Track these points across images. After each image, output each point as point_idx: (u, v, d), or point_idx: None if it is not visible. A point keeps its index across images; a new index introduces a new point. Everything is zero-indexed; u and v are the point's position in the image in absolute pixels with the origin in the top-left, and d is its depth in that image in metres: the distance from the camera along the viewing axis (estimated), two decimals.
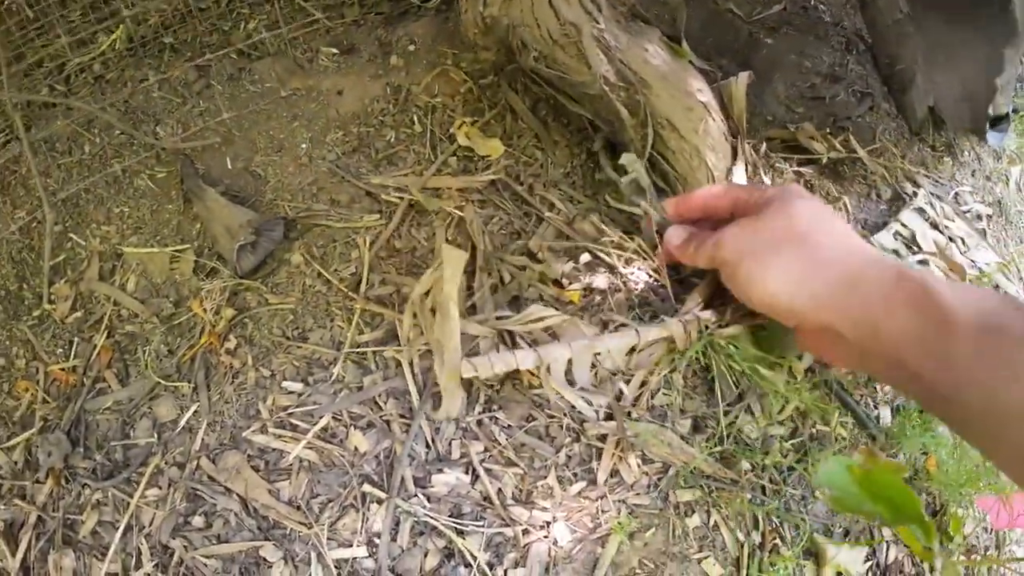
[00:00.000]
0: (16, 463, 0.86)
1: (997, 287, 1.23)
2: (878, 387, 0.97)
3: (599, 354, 0.70)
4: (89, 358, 0.92)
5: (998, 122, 1.47)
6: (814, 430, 0.86)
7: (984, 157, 1.54)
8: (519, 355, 0.67)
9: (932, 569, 0.93)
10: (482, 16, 0.87)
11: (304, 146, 1.04)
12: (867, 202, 1.12)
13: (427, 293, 0.72)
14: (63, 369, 0.92)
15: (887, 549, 0.91)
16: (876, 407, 0.96)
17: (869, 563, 0.88)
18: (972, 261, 1.20)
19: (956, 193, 1.35)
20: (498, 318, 0.73)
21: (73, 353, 0.93)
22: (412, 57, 1.15)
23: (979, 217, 1.35)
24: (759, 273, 0.58)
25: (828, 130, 1.23)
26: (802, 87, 1.32)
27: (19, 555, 0.84)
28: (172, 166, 1.01)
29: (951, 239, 1.18)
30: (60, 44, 1.06)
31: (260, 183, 1.00)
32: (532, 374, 0.76)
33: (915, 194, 1.17)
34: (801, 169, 1.10)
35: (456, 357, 0.66)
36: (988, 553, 1.00)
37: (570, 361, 0.70)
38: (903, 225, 1.06)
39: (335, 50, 1.16)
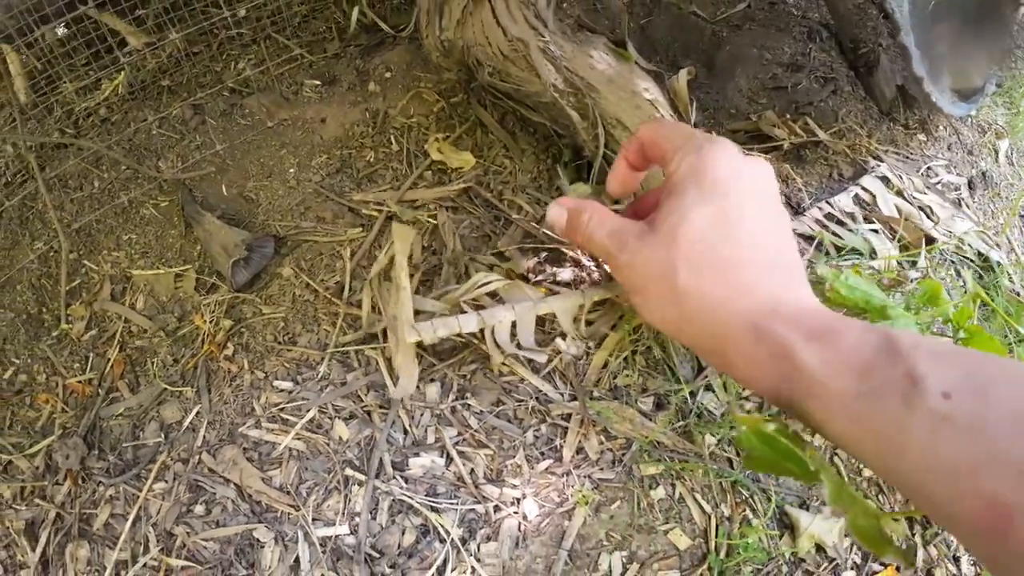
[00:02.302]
0: (37, 468, 0.96)
1: (980, 254, 1.26)
2: None
3: (546, 316, 0.75)
4: (103, 371, 1.02)
5: (971, 95, 1.52)
6: None
7: (964, 132, 1.58)
8: (462, 319, 0.73)
9: (925, 542, 0.96)
10: (440, 40, 0.98)
11: (292, 170, 1.15)
12: (828, 181, 1.18)
13: (382, 275, 0.79)
14: (80, 381, 1.03)
15: None
16: None
17: (852, 539, 0.91)
18: (948, 231, 1.24)
19: (928, 167, 1.39)
20: (446, 292, 0.80)
21: (89, 367, 1.04)
22: (388, 83, 1.27)
23: (956, 188, 1.39)
24: (640, 309, 0.49)
25: (789, 116, 1.30)
26: (763, 78, 1.39)
27: (39, 550, 0.93)
28: (173, 195, 1.13)
29: (921, 208, 1.23)
30: (68, 91, 1.20)
31: (253, 206, 1.11)
32: (503, 363, 0.83)
33: (878, 166, 1.22)
34: (763, 155, 1.17)
35: (409, 330, 0.72)
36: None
37: (514, 324, 0.76)
38: (863, 189, 1.11)
39: (318, 82, 1.28)
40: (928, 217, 1.26)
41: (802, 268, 0.46)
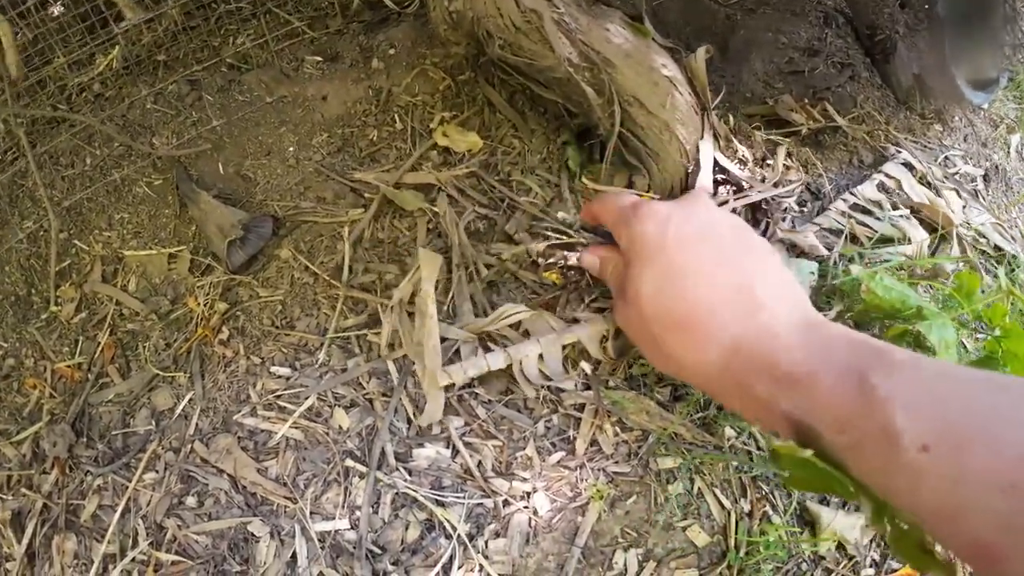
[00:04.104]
0: (24, 455, 0.91)
1: (997, 247, 1.22)
2: None
3: (570, 345, 0.72)
4: (93, 355, 0.97)
5: (986, 85, 1.47)
6: None
7: (978, 124, 1.53)
8: (490, 358, 0.71)
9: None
10: (448, 11, 0.92)
11: (291, 149, 1.09)
12: (848, 168, 1.13)
13: (406, 299, 0.75)
14: (69, 366, 0.98)
15: None
16: None
17: (870, 535, 0.86)
18: (966, 221, 1.20)
19: (946, 157, 1.34)
20: (468, 324, 0.76)
21: (78, 351, 0.99)
22: (392, 60, 1.21)
23: (972, 179, 1.34)
24: (646, 352, 0.59)
25: (807, 101, 1.24)
26: (780, 63, 1.34)
27: (24, 541, 0.88)
28: (168, 173, 1.08)
29: (940, 196, 1.18)
30: (60, 65, 1.14)
31: (250, 185, 1.06)
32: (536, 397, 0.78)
33: (899, 153, 1.17)
34: (779, 138, 1.12)
35: (436, 358, 0.69)
36: None
37: (541, 356, 0.72)
38: (887, 176, 1.06)
39: (319, 58, 1.22)
40: (948, 207, 1.21)
41: (775, 287, 0.50)
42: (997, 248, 1.25)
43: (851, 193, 0.98)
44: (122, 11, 1.22)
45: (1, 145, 1.26)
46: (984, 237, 1.25)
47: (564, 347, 0.72)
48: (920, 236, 0.96)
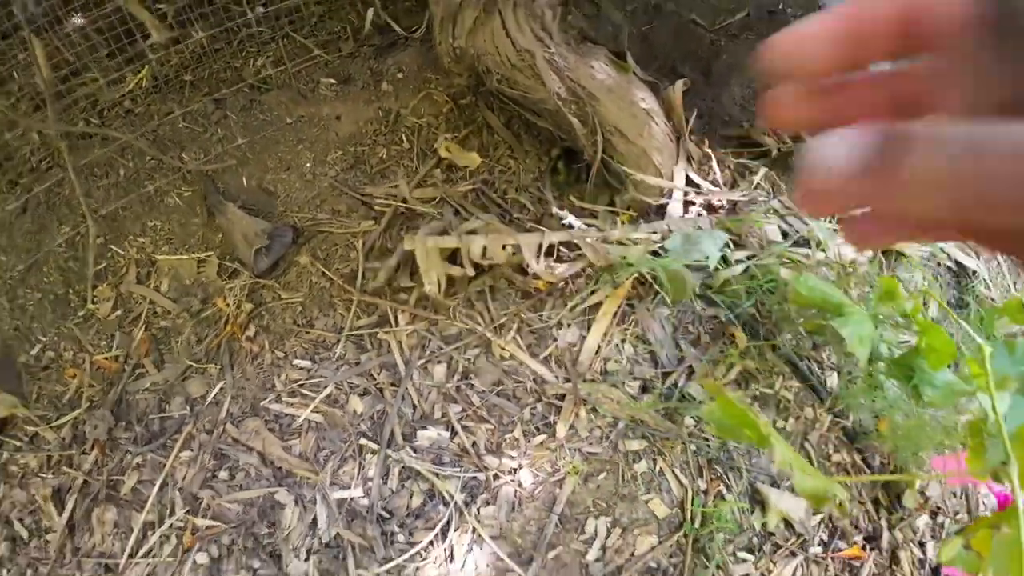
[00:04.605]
0: (64, 439, 1.06)
1: (958, 262, 1.36)
2: (825, 355, 1.11)
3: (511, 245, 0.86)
4: (129, 348, 1.12)
5: None
6: (758, 392, 1.01)
7: None
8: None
9: (891, 525, 1.06)
10: (452, 47, 1.07)
11: (308, 165, 1.25)
12: None
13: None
14: (107, 358, 1.13)
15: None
16: (824, 372, 1.10)
17: (820, 517, 1.01)
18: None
19: None
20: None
21: (115, 345, 1.14)
22: (400, 83, 1.36)
23: None
24: None
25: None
26: (756, 87, 1.49)
27: (65, 515, 1.03)
28: (196, 185, 1.23)
29: None
30: (92, 81, 1.30)
31: (272, 198, 1.21)
32: (501, 347, 0.94)
33: None
34: (750, 162, 1.27)
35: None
36: (958, 516, 1.10)
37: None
38: None
39: (333, 80, 1.38)
40: None
41: None
42: (959, 264, 1.39)
43: (780, 200, 1.12)
44: (149, 30, 1.37)
45: (36, 155, 1.41)
46: (945, 252, 1.39)
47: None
48: (837, 244, 1.09)
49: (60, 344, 1.20)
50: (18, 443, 1.15)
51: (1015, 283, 1.44)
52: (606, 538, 0.83)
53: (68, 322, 1.21)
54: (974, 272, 1.38)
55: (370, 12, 1.46)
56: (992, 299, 1.38)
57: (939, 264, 1.38)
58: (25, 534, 1.07)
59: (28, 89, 1.43)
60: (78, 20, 1.40)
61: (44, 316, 1.23)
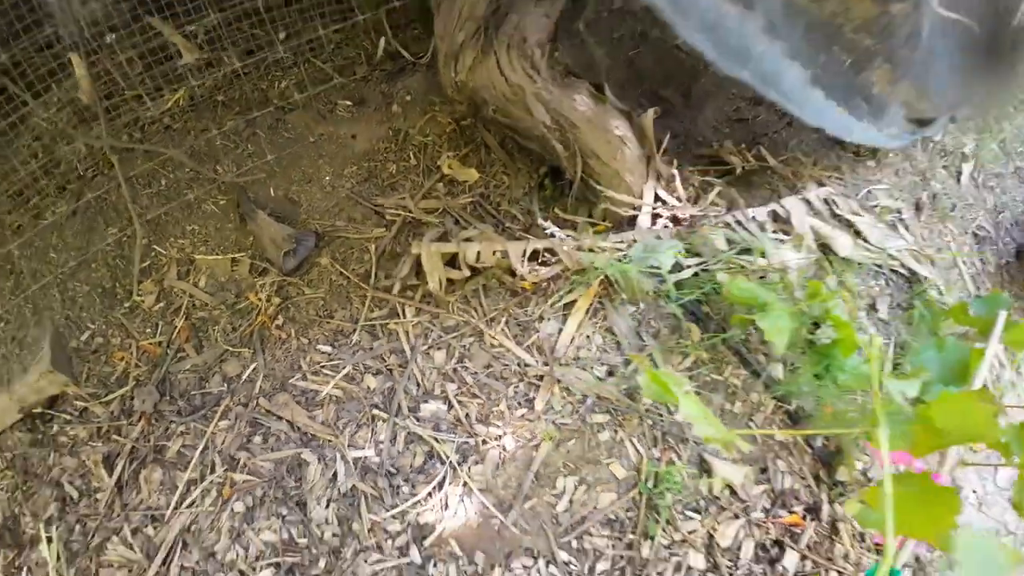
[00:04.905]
0: (113, 412, 1.26)
1: (911, 270, 1.55)
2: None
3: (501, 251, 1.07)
4: (171, 335, 1.33)
5: (921, 125, 1.80)
6: (709, 378, 1.21)
7: (918, 157, 1.87)
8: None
9: (831, 500, 1.26)
10: (454, 80, 1.28)
11: (328, 178, 1.45)
12: (768, 202, 1.48)
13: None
14: (151, 343, 1.33)
15: (782, 478, 1.23)
16: (769, 362, 1.30)
17: (763, 488, 1.21)
18: (879, 247, 1.52)
19: (869, 191, 1.69)
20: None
21: (159, 332, 1.34)
22: (409, 106, 1.57)
23: (895, 211, 1.67)
24: None
25: (745, 146, 1.60)
26: (728, 111, 1.70)
27: (114, 476, 1.23)
28: (230, 195, 1.44)
29: (852, 225, 1.52)
30: (132, 99, 1.51)
31: (296, 206, 1.42)
32: (491, 336, 1.14)
33: (816, 188, 1.51)
34: (713, 179, 1.47)
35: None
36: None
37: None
38: (781, 206, 1.40)
39: (349, 102, 1.59)
40: (857, 235, 1.56)
41: None
42: (911, 271, 1.59)
43: (743, 212, 1.32)
44: (180, 51, 1.58)
45: (83, 164, 1.62)
46: (896, 259, 1.59)
47: None
48: (779, 254, 1.28)
49: (108, 331, 1.40)
50: (68, 417, 1.35)
51: (977, 291, 1.63)
52: (573, 493, 1.03)
53: (115, 312, 1.42)
54: (926, 279, 1.57)
55: (382, 40, 1.68)
56: (944, 303, 1.58)
57: (892, 271, 1.58)
58: (75, 494, 1.27)
59: (68, 101, 1.64)
60: (116, 41, 1.61)
61: (93, 307, 1.44)
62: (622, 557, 1.04)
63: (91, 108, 1.58)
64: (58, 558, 1.22)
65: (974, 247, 1.82)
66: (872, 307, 1.59)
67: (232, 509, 1.09)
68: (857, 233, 1.62)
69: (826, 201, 1.55)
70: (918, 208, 1.83)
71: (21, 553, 1.28)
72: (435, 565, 0.99)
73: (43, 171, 1.58)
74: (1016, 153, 2.10)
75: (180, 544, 1.12)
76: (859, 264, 1.54)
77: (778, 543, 1.12)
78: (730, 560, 1.13)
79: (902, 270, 1.61)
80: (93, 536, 1.22)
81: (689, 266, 1.16)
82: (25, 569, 1.25)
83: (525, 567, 1.01)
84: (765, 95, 0.98)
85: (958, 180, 1.98)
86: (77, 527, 1.25)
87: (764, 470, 1.23)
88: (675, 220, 1.35)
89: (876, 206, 1.70)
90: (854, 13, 1.00)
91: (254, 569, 1.05)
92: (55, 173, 1.63)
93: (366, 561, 1.00)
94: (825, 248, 1.47)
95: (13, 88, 1.45)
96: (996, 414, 0.81)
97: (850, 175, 1.75)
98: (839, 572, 1.11)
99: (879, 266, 1.58)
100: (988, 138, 1.98)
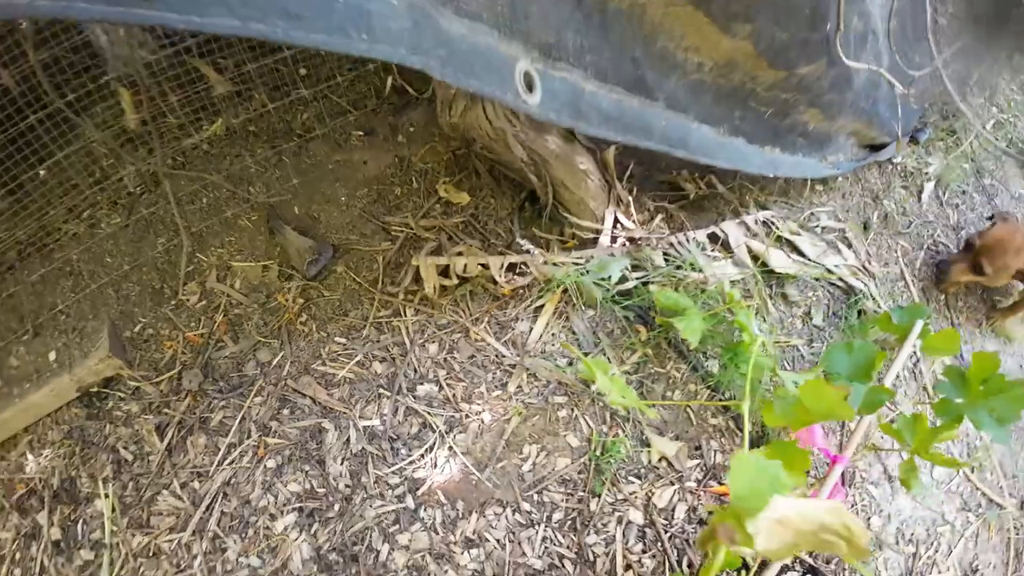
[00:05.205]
0: (162, 391, 1.57)
1: (848, 284, 1.82)
2: (710, 348, 1.60)
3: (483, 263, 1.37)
4: (212, 328, 1.63)
5: (875, 150, 2.08)
6: (653, 371, 1.50)
7: (872, 179, 2.15)
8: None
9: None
10: (449, 122, 1.58)
11: (343, 199, 1.76)
12: (714, 224, 1.77)
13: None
14: (195, 335, 1.64)
15: (714, 455, 1.52)
16: (707, 359, 1.59)
17: (697, 462, 1.50)
18: (818, 263, 1.80)
19: (812, 213, 1.97)
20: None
21: (201, 325, 1.65)
22: (412, 136, 1.88)
23: (835, 231, 1.94)
24: None
25: (699, 174, 1.89)
26: None
27: (165, 442, 1.52)
28: (261, 212, 1.74)
29: (792, 244, 1.80)
30: (173, 126, 1.81)
31: (316, 223, 1.72)
32: (475, 333, 1.43)
33: (757, 212, 1.80)
34: (669, 205, 1.76)
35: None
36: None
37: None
38: (720, 230, 1.69)
39: (361, 132, 1.90)
40: (796, 252, 1.85)
41: None
42: (848, 284, 1.87)
43: (684, 234, 1.61)
44: (213, 85, 1.89)
45: (131, 183, 1.93)
46: (832, 273, 1.87)
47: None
48: (711, 269, 1.56)
49: (157, 324, 1.71)
50: (122, 395, 1.66)
51: (927, 301, 1.89)
52: (536, 457, 1.32)
53: (163, 308, 1.72)
54: (860, 291, 1.85)
55: (390, 78, 1.98)
56: (877, 312, 1.86)
57: (831, 284, 1.86)
58: (129, 458, 1.57)
59: (121, 129, 1.94)
60: (159, 75, 1.92)
61: (144, 303, 1.75)
62: (574, 510, 1.33)
63: (139, 134, 1.89)
64: (113, 510, 1.52)
65: (927, 261, 2.09)
66: (808, 315, 1.88)
67: (265, 466, 1.38)
68: (795, 250, 1.91)
69: (765, 223, 1.84)
70: (866, 227, 2.11)
71: (76, 509, 1.58)
72: (425, 510, 1.28)
73: (97, 187, 1.89)
74: (986, 171, 2.36)
75: (221, 494, 1.42)
76: (794, 277, 1.83)
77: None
78: (665, 519, 1.42)
79: (839, 283, 1.90)
80: (145, 491, 1.52)
81: (633, 278, 1.45)
82: (81, 521, 1.55)
83: (496, 514, 1.30)
84: (672, 154, 1.17)
85: (919, 199, 2.26)
86: (130, 484, 1.55)
87: (698, 448, 1.52)
88: (631, 240, 1.64)
89: (818, 226, 1.99)
90: (761, 79, 1.28)
91: (282, 512, 1.35)
92: (107, 188, 1.94)
93: (371, 506, 1.29)
94: (765, 264, 1.76)
95: (67, 112, 1.75)
96: (845, 397, 1.09)
97: (796, 199, 2.03)
98: None
99: (817, 279, 1.86)
100: (959, 157, 2.25)
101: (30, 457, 1.64)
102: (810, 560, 1.44)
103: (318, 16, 0.43)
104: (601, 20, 0.80)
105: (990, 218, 1.90)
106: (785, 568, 1.44)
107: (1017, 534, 1.67)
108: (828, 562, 1.46)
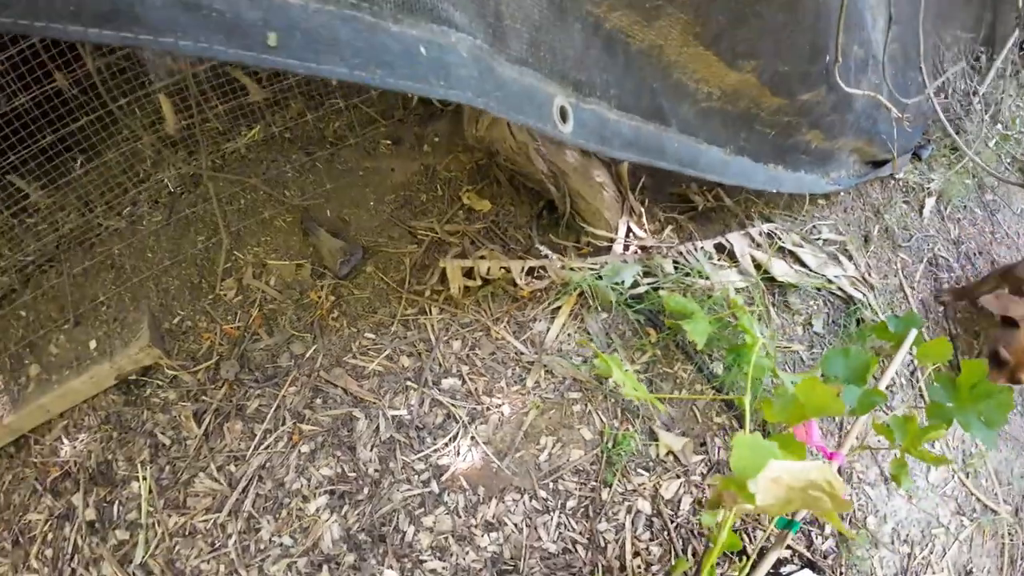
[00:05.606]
0: (200, 380, 1.70)
1: (847, 294, 1.93)
2: (716, 351, 1.72)
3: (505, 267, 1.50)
4: (248, 322, 1.77)
5: (877, 166, 2.20)
6: (661, 371, 1.62)
7: (874, 194, 2.26)
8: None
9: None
10: (475, 135, 1.72)
11: (372, 203, 1.89)
12: (720, 235, 1.89)
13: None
14: (232, 327, 1.77)
15: (718, 451, 1.64)
16: (712, 362, 1.71)
17: (702, 458, 1.61)
18: (819, 273, 1.92)
19: (814, 226, 2.09)
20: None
21: (237, 319, 1.78)
22: (437, 146, 2.02)
23: (836, 243, 2.06)
24: None
25: (706, 187, 2.02)
26: None
27: (202, 428, 1.65)
28: (296, 214, 1.88)
29: (794, 255, 1.92)
30: (215, 132, 1.96)
31: (347, 226, 1.86)
32: (496, 332, 1.56)
33: (761, 224, 1.93)
34: (678, 216, 1.89)
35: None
36: None
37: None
38: (726, 240, 1.81)
39: (389, 141, 2.04)
40: (799, 263, 1.97)
41: None
42: (848, 295, 1.99)
43: (692, 243, 1.74)
44: (249, 91, 2.04)
45: (172, 183, 2.07)
46: (832, 283, 1.99)
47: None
48: (719, 277, 1.69)
49: (195, 317, 1.85)
50: (160, 383, 1.79)
51: (926, 312, 2.00)
52: (551, 448, 1.44)
53: (202, 302, 1.86)
54: (859, 301, 1.97)
55: None
56: (875, 321, 1.97)
57: (831, 293, 1.98)
58: (167, 442, 1.70)
59: (163, 135, 2.10)
60: (199, 85, 2.07)
61: (183, 296, 1.89)
62: (586, 498, 1.45)
63: (179, 138, 2.04)
64: (150, 491, 1.65)
65: (927, 273, 2.20)
66: (808, 323, 2.00)
67: (299, 451, 1.51)
68: (797, 260, 2.03)
69: (769, 235, 1.97)
70: (867, 240, 2.22)
71: (112, 491, 1.71)
72: (448, 495, 1.41)
73: (142, 187, 2.03)
74: (988, 187, 2.47)
75: (257, 477, 1.54)
76: (796, 286, 1.94)
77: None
78: (671, 510, 1.53)
79: (839, 293, 2.01)
80: (182, 473, 1.65)
81: (644, 284, 1.58)
82: (116, 503, 1.68)
83: (514, 500, 1.42)
84: (683, 172, 1.31)
85: (920, 213, 2.37)
86: (167, 467, 1.68)
87: (703, 444, 1.64)
88: (643, 248, 1.77)
89: (819, 239, 2.10)
90: (765, 105, 1.41)
91: (315, 495, 1.47)
92: (149, 187, 2.09)
93: (398, 490, 1.42)
94: (768, 273, 1.88)
95: (118, 115, 1.90)
96: (837, 394, 1.20)
97: (799, 212, 2.15)
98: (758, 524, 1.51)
99: (818, 289, 1.98)
100: (960, 172, 2.36)
101: (65, 442, 1.77)
102: (808, 554, 1.55)
103: (406, 66, 0.55)
104: (625, 60, 0.93)
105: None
106: (783, 562, 1.55)
107: (1011, 540, 1.76)
108: (825, 557, 1.57)
